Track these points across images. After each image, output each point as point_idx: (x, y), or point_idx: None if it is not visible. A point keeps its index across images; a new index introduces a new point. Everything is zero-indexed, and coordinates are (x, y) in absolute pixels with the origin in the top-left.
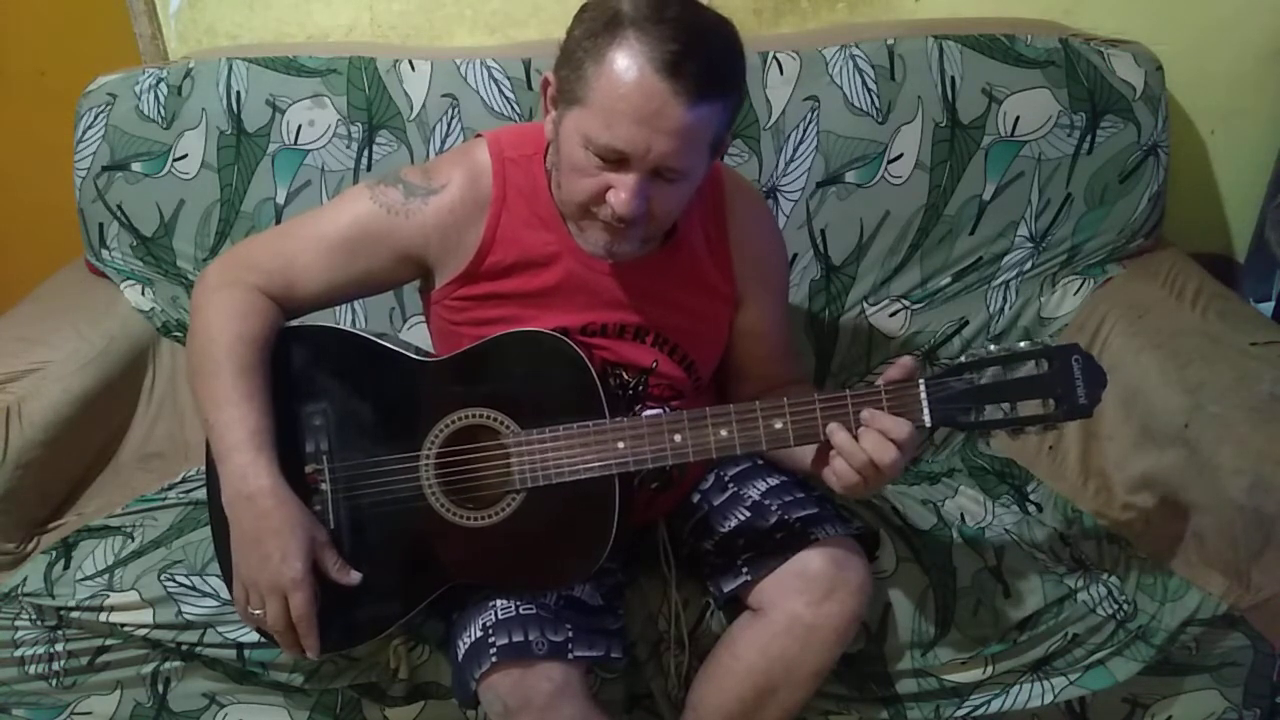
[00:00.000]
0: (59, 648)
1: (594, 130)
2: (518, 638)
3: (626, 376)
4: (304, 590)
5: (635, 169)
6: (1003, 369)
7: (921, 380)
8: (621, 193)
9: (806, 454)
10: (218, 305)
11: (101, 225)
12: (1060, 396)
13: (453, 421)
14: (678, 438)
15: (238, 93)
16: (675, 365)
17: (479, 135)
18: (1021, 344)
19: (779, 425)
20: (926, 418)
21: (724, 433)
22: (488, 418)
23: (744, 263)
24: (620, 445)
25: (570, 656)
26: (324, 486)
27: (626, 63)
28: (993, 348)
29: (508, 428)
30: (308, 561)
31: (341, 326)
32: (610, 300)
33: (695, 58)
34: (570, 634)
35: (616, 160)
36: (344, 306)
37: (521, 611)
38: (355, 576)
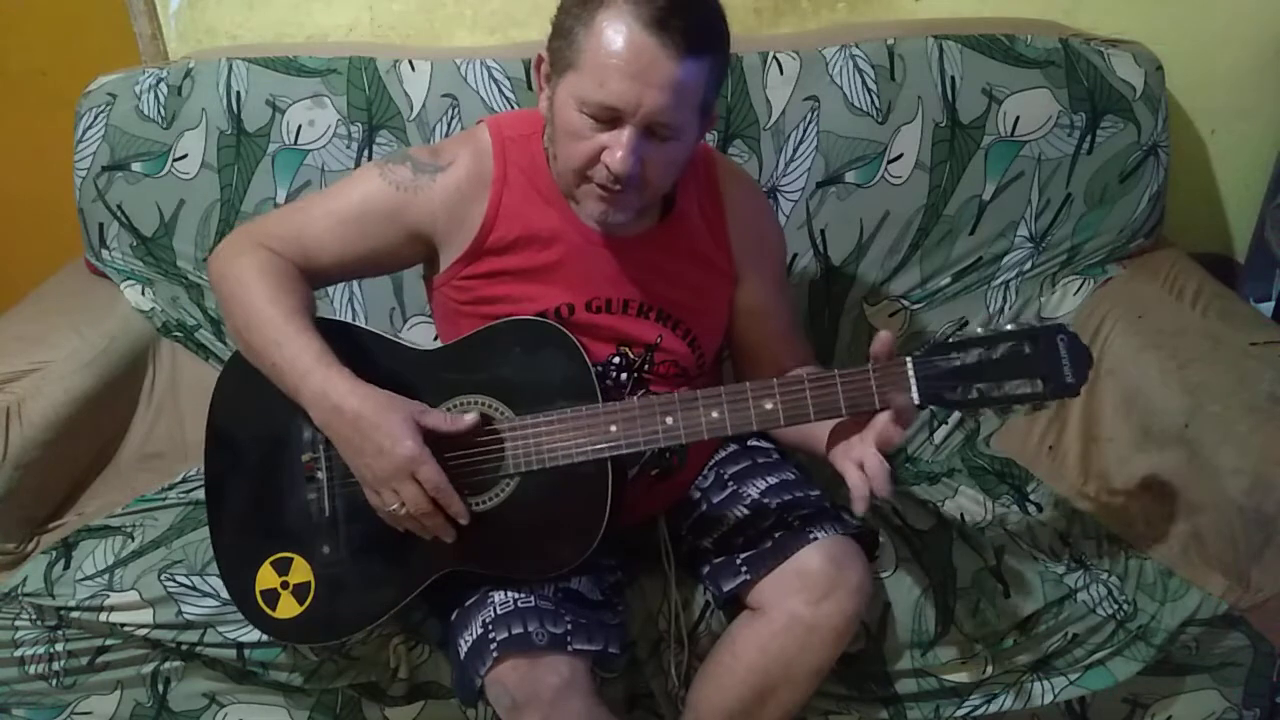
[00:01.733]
0: (59, 648)
1: (587, 90)
2: (517, 630)
3: (631, 354)
4: (427, 462)
5: (628, 124)
6: (989, 349)
7: (909, 358)
8: (617, 150)
9: (817, 437)
10: (245, 266)
11: (101, 225)
12: (1047, 376)
13: (449, 409)
14: (669, 420)
15: (238, 93)
16: (680, 340)
17: (480, 120)
18: (1008, 325)
19: (769, 406)
20: (915, 395)
21: (715, 414)
22: (482, 404)
23: (741, 239)
24: (613, 428)
25: (570, 649)
26: (320, 475)
27: (615, 23)
28: (979, 329)
29: (502, 413)
30: (417, 437)
31: (337, 319)
32: (613, 276)
33: (681, 14)
34: (569, 626)
35: (610, 120)
36: (345, 307)
37: (520, 605)
38: (470, 417)
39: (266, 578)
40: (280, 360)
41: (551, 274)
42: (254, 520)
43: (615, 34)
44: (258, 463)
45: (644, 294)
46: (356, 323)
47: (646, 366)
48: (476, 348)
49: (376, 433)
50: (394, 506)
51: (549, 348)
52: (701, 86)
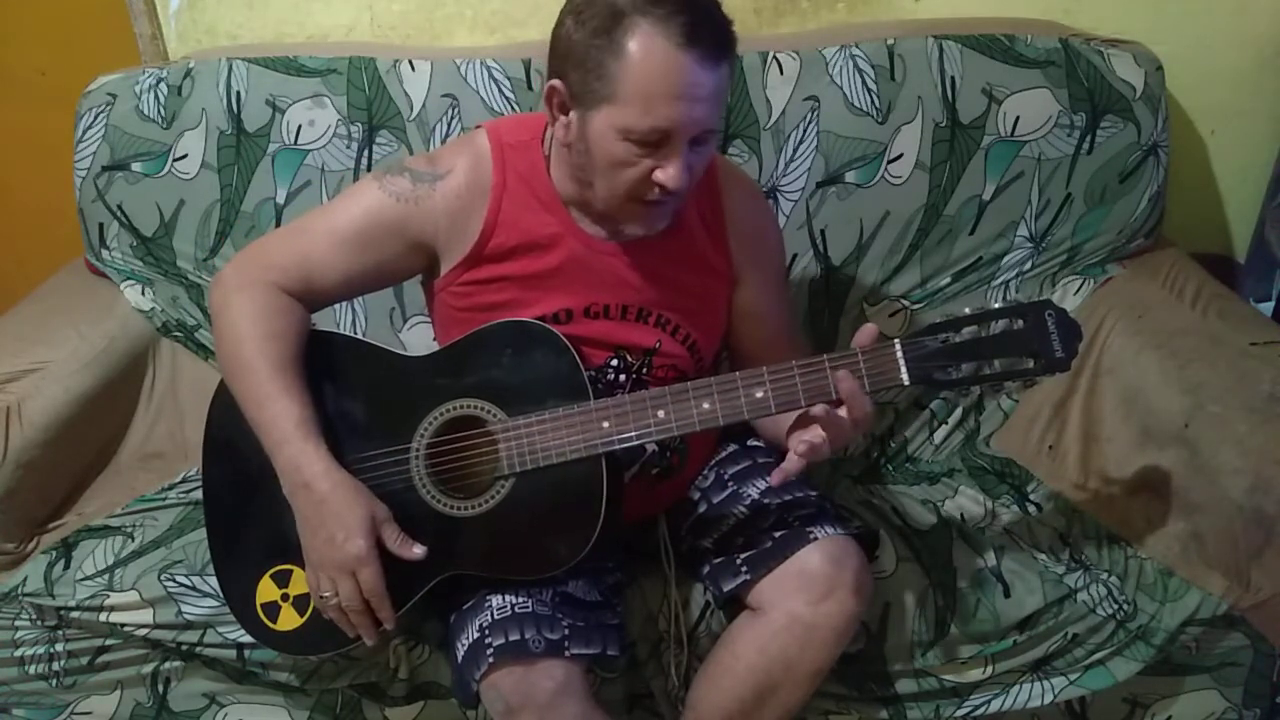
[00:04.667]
0: (59, 648)
1: (632, 120)
2: (514, 636)
3: (630, 358)
4: (371, 565)
5: (678, 142)
6: (978, 327)
7: (897, 340)
8: (670, 169)
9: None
10: (241, 306)
11: (101, 225)
12: (1037, 352)
13: (442, 414)
14: (661, 413)
15: (238, 93)
16: (678, 345)
17: (478, 126)
18: (996, 304)
19: (759, 394)
20: (904, 376)
21: (706, 405)
22: (475, 407)
23: (740, 242)
24: (605, 425)
25: (567, 654)
26: None
27: (647, 47)
28: (967, 309)
29: (495, 416)
30: (370, 538)
31: (328, 329)
32: (612, 281)
33: (705, 22)
34: (566, 631)
35: (657, 141)
36: (344, 308)
37: (517, 610)
38: (419, 550)
39: (267, 590)
40: (260, 419)
41: (550, 280)
42: (253, 533)
43: (651, 59)
44: (255, 474)
45: (643, 299)
46: (357, 324)
47: (644, 370)
48: (466, 352)
49: (334, 522)
50: (327, 594)
51: (539, 348)
52: (729, 85)
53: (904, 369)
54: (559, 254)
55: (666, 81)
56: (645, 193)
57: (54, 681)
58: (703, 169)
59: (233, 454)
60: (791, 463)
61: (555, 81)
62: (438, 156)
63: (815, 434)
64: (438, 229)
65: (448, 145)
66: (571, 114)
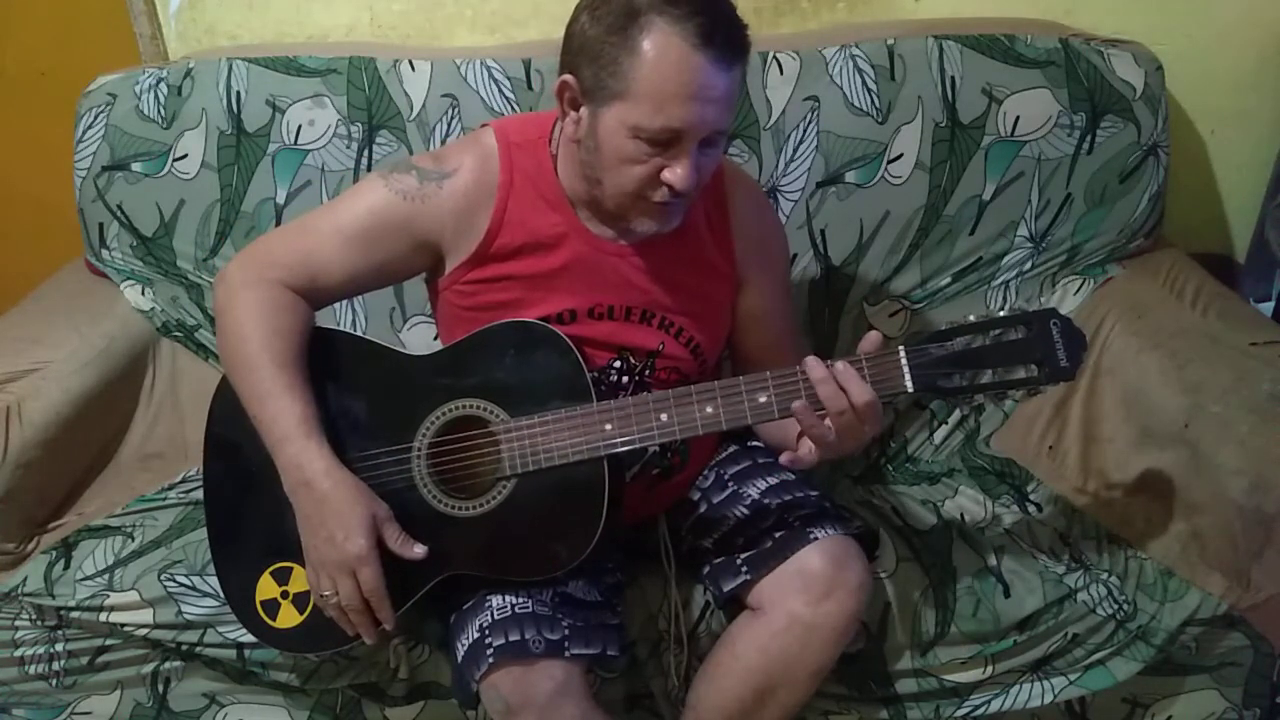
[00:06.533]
0: (59, 648)
1: (644, 118)
2: (514, 636)
3: (633, 360)
4: (371, 565)
5: (688, 143)
6: (983, 335)
7: (901, 347)
8: (678, 169)
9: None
10: (245, 304)
11: (101, 225)
12: (1041, 360)
13: (444, 413)
14: (664, 416)
15: (238, 93)
16: (681, 347)
17: (485, 125)
18: (1001, 311)
19: (763, 399)
20: (908, 384)
21: (709, 409)
22: (477, 408)
23: (745, 245)
24: (608, 427)
25: (567, 654)
26: None
27: (662, 46)
28: (972, 317)
29: (497, 417)
30: (371, 537)
31: (330, 327)
32: (617, 282)
33: (721, 25)
34: (567, 632)
35: (667, 141)
36: (344, 308)
37: (517, 611)
38: (419, 550)
39: (266, 587)
40: (262, 415)
41: (555, 280)
42: (253, 530)
43: (665, 58)
44: (256, 471)
45: (647, 301)
46: (357, 323)
47: (647, 372)
48: (469, 352)
49: (335, 520)
50: (327, 593)
51: (542, 349)
52: (741, 87)
53: (908, 376)
54: (564, 254)
55: (680, 81)
56: (653, 192)
57: (54, 681)
58: (711, 170)
59: (234, 451)
60: (804, 449)
61: (567, 76)
62: (444, 155)
63: (824, 424)
64: (444, 227)
65: (454, 144)
66: (582, 110)
